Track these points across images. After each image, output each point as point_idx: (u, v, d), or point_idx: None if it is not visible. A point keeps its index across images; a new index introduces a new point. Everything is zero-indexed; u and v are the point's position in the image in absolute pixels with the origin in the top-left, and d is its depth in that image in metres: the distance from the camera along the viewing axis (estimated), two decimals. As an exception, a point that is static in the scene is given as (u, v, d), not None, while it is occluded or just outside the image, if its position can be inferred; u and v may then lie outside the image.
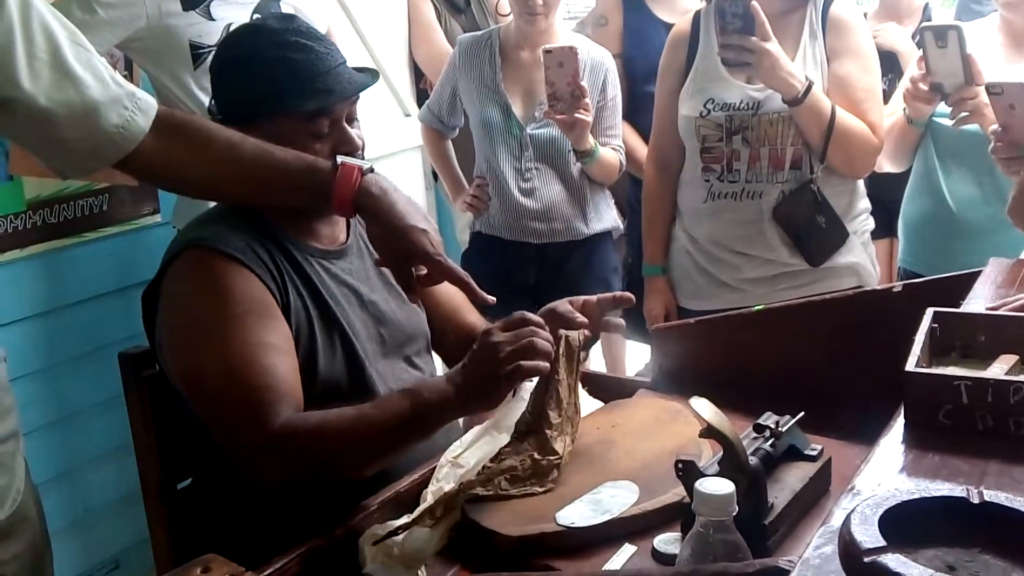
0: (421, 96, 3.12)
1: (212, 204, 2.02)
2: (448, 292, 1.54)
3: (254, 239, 1.32)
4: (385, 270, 1.41)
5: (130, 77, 2.24)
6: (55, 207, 2.11)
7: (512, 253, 2.40)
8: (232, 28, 2.03)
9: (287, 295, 1.31)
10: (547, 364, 1.19)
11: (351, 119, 1.39)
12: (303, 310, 1.32)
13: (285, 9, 2.19)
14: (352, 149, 1.36)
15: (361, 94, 1.40)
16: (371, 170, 1.28)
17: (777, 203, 1.96)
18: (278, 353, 1.23)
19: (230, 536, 1.31)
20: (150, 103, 1.20)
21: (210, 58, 2.01)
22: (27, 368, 2.08)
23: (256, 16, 2.10)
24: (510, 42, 2.42)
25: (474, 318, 1.60)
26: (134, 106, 1.17)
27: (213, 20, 2.04)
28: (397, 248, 1.27)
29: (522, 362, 1.15)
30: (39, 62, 1.10)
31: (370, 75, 1.41)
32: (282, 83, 1.32)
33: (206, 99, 2.04)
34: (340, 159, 1.28)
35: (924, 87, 1.90)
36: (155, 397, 1.42)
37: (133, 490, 1.50)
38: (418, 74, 3.20)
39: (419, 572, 1.11)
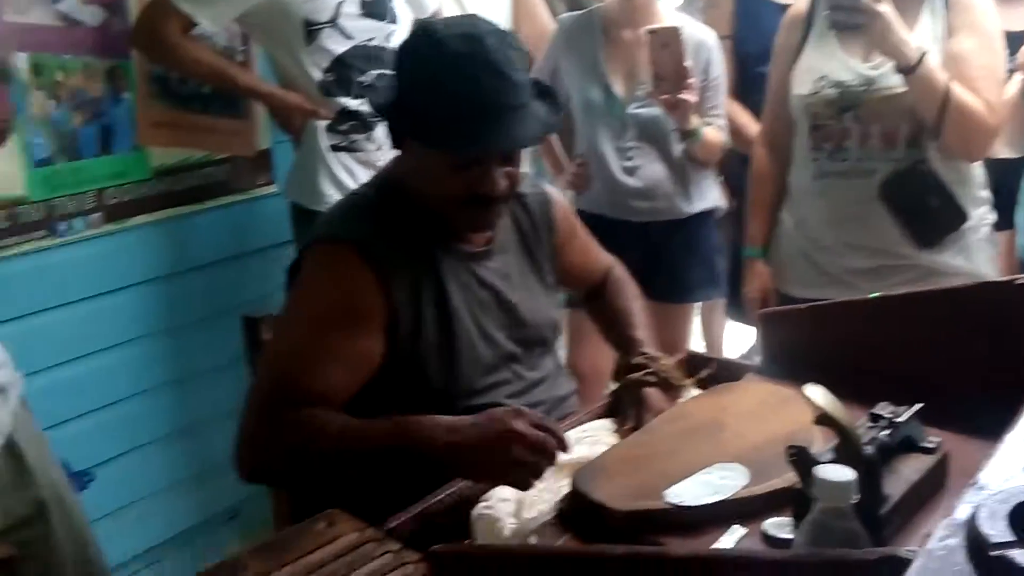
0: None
1: (321, 173, 2.11)
2: (585, 251, 1.65)
3: (402, 240, 1.33)
4: (526, 266, 1.49)
5: (247, 52, 2.32)
6: (178, 175, 2.22)
7: (614, 231, 2.37)
8: (342, 5, 2.09)
9: (419, 312, 1.32)
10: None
11: (510, 160, 1.33)
12: (436, 328, 1.34)
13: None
14: (488, 194, 1.31)
15: None
16: None
17: (885, 180, 1.91)
18: (339, 365, 1.26)
19: (346, 493, 1.37)
20: None
21: (323, 34, 2.10)
22: (150, 328, 2.20)
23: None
24: (612, 21, 2.41)
25: (600, 263, 1.70)
26: None
27: (328, -6, 2.09)
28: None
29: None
30: None
31: (542, 124, 1.32)
32: (436, 116, 1.26)
33: (318, 74, 2.11)
34: None
35: None
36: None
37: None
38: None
39: (530, 538, 1.15)
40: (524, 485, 1.15)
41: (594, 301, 1.69)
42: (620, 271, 1.72)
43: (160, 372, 2.22)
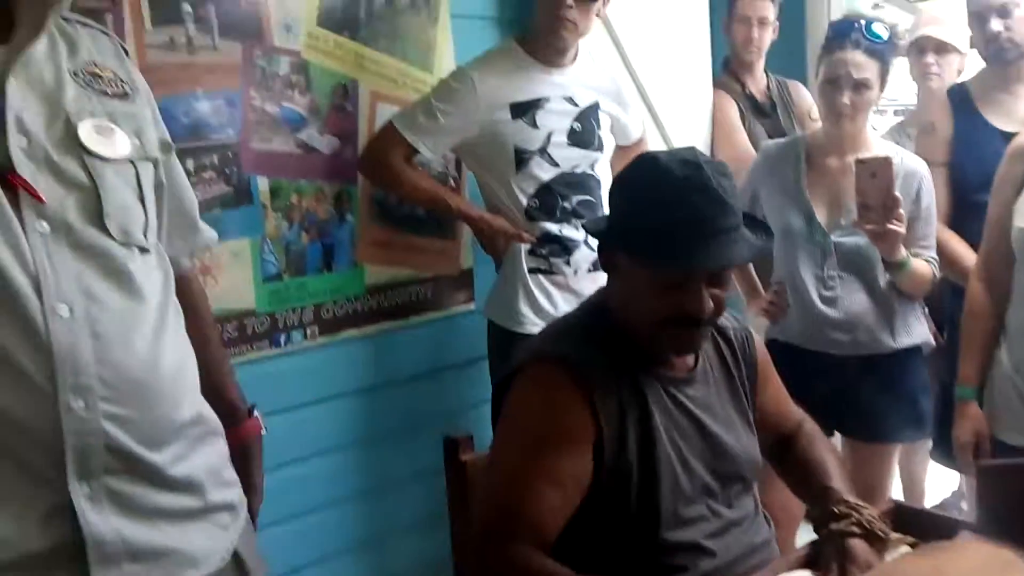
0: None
1: (520, 294, 2.19)
2: (777, 398, 1.60)
3: (608, 362, 1.36)
4: (727, 397, 1.47)
5: (459, 176, 2.47)
6: (388, 292, 2.36)
7: (810, 363, 2.32)
8: (552, 135, 2.20)
9: (624, 429, 1.34)
10: None
11: (716, 280, 1.34)
12: (636, 447, 1.35)
13: (603, 118, 2.32)
14: (695, 313, 1.33)
15: None
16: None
17: None
18: (554, 487, 1.29)
19: None
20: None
21: (532, 162, 2.21)
22: (351, 437, 2.31)
23: (576, 125, 2.24)
24: (817, 148, 2.39)
25: (792, 414, 1.63)
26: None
27: (537, 128, 2.21)
28: None
29: None
30: None
31: (747, 247, 1.35)
32: (656, 234, 1.31)
33: (524, 200, 2.22)
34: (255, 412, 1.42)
35: None
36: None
37: (440, 559, 1.61)
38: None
39: None
40: None
41: (784, 453, 1.61)
42: (812, 425, 1.65)
43: (356, 481, 2.31)
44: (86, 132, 1.07)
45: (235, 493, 1.22)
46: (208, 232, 1.38)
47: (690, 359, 1.45)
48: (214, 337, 1.42)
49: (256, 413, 1.43)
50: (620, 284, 1.41)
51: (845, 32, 2.26)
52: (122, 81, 1.16)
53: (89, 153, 1.06)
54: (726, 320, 1.51)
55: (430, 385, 2.40)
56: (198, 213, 1.35)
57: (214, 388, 1.32)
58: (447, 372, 2.40)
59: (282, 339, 2.17)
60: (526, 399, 1.37)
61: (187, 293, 1.33)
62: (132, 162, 1.12)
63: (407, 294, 2.40)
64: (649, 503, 1.35)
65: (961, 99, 2.50)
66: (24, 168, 1.00)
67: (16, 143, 1.00)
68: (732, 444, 1.44)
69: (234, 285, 2.06)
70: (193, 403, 1.16)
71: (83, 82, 1.10)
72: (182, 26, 1.94)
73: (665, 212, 1.31)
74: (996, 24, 2.35)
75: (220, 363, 1.40)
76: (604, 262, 1.44)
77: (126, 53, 1.23)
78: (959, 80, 2.76)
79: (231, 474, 1.23)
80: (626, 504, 1.35)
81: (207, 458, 1.16)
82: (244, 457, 1.35)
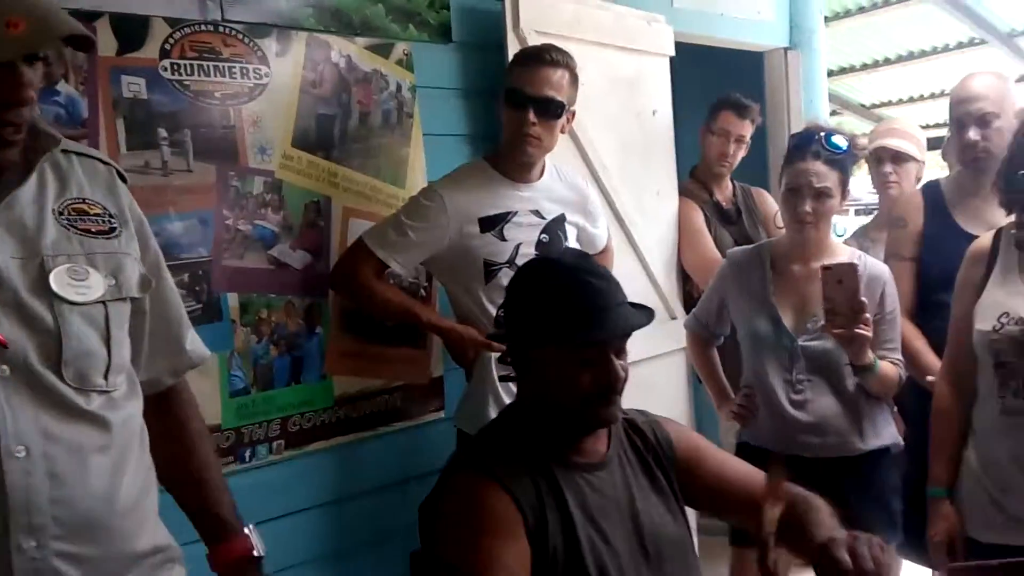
0: (687, 300, 3.20)
1: (490, 403, 2.19)
2: (734, 469, 1.62)
3: (521, 459, 1.43)
4: (643, 480, 1.52)
5: (429, 287, 2.50)
6: (358, 403, 2.36)
7: (782, 467, 2.33)
8: (520, 247, 2.26)
9: (543, 517, 1.39)
10: None
11: (620, 352, 1.48)
12: (559, 532, 1.40)
13: (569, 229, 2.38)
14: (614, 380, 1.45)
15: (631, 299, 1.52)
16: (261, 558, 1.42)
17: None
18: (506, 571, 1.31)
19: None
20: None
21: (500, 273, 2.25)
22: (317, 552, 2.26)
23: (544, 236, 2.30)
24: (781, 255, 2.44)
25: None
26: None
27: (505, 240, 2.26)
28: None
29: None
30: None
31: (645, 315, 1.52)
32: (563, 315, 1.44)
33: (493, 310, 2.24)
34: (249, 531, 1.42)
35: None
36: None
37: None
38: (685, 278, 3.29)
39: None
40: None
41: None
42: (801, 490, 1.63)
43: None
44: (58, 277, 1.10)
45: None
46: (197, 351, 1.39)
47: (602, 446, 1.53)
48: (203, 448, 1.41)
49: (249, 530, 1.40)
50: (535, 380, 1.50)
51: (806, 143, 2.35)
52: (110, 216, 1.19)
53: (58, 298, 1.09)
54: (634, 415, 1.62)
55: (398, 496, 2.37)
56: (188, 331, 1.36)
57: (202, 501, 1.31)
58: (416, 482, 2.37)
59: (247, 454, 2.15)
60: (455, 506, 1.40)
61: (174, 406, 1.34)
62: (104, 303, 1.14)
63: (377, 404, 2.40)
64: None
65: (934, 198, 2.57)
66: None
67: None
68: (657, 522, 1.49)
69: (200, 401, 2.02)
70: (152, 534, 1.16)
71: (66, 222, 1.13)
72: (157, 150, 1.99)
73: (569, 294, 1.45)
74: (974, 133, 2.44)
75: (209, 475, 1.39)
76: (517, 366, 1.53)
77: (123, 180, 1.26)
78: (919, 186, 2.86)
79: None
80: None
81: None
82: None
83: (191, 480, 1.34)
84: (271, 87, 2.18)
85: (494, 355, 2.24)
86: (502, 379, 2.25)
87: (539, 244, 2.29)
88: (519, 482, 1.40)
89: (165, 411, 1.36)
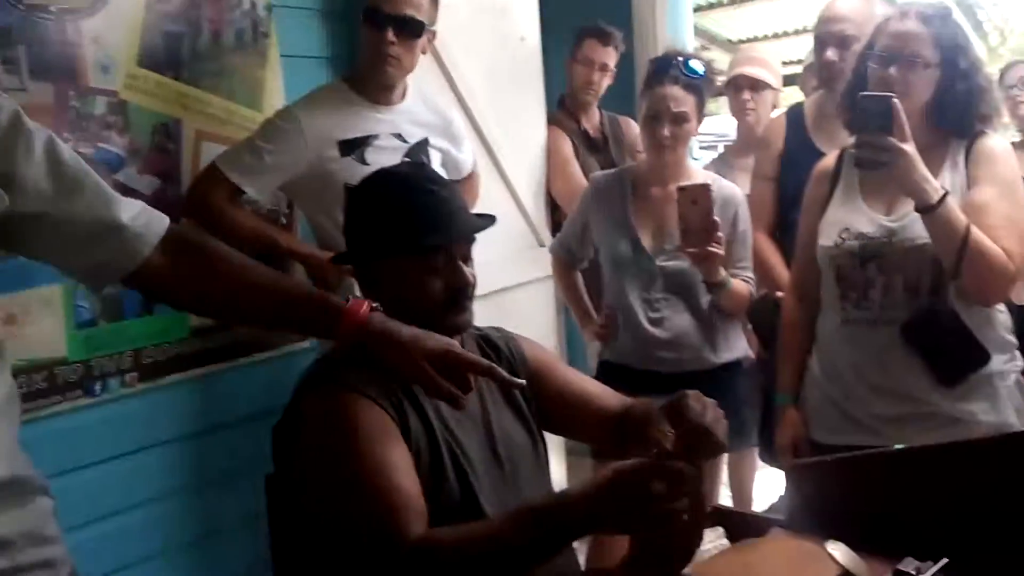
0: (556, 228, 3.24)
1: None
2: (580, 388, 1.63)
3: (378, 373, 1.39)
4: (497, 391, 1.52)
5: (291, 215, 2.44)
6: (216, 334, 2.29)
7: (641, 382, 2.40)
8: None
9: (407, 420, 1.39)
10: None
11: (466, 258, 1.50)
12: (422, 435, 1.40)
13: (433, 153, 2.35)
14: (463, 284, 1.47)
15: (499, 226, 1.51)
16: (378, 308, 1.37)
17: (907, 321, 1.91)
18: (403, 473, 1.31)
19: None
20: (160, 219, 1.29)
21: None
22: (176, 485, 2.21)
23: (407, 160, 2.27)
24: (641, 178, 2.50)
25: (612, 403, 1.62)
26: (145, 221, 1.27)
27: (366, 164, 2.21)
28: (417, 358, 1.31)
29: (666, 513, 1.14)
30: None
31: (487, 219, 1.53)
32: (405, 223, 1.44)
33: (358, 235, 2.20)
34: (351, 297, 1.36)
35: None
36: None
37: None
38: (553, 206, 3.33)
39: None
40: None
41: (623, 440, 1.59)
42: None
43: (185, 530, 2.21)
44: None
45: (56, 550, 1.18)
46: (143, 221, 1.27)
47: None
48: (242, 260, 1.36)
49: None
50: (385, 294, 1.47)
51: (664, 68, 2.39)
52: None
53: None
54: (488, 331, 1.63)
55: (263, 428, 2.31)
56: (117, 207, 1.25)
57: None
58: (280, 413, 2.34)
59: (97, 387, 2.06)
60: (323, 419, 1.37)
61: (182, 250, 1.29)
62: None
63: (236, 335, 2.33)
64: (438, 490, 1.38)
65: (796, 120, 2.65)
66: None
67: None
68: (509, 432, 1.52)
69: (43, 333, 1.95)
70: (9, 465, 1.10)
71: None
72: (-13, 67, 1.86)
73: (410, 202, 1.46)
74: (833, 54, 2.51)
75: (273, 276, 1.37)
76: (364, 283, 1.52)
77: None
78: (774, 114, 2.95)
79: (53, 530, 1.18)
80: (445, 483, 1.39)
81: (20, 518, 1.11)
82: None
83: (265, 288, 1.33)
84: (113, 1, 2.06)
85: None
86: (366, 305, 2.24)
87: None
88: (379, 391, 1.38)
89: (183, 258, 1.29)
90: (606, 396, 1.64)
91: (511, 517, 1.23)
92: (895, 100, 1.80)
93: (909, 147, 1.81)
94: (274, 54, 2.42)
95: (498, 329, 1.68)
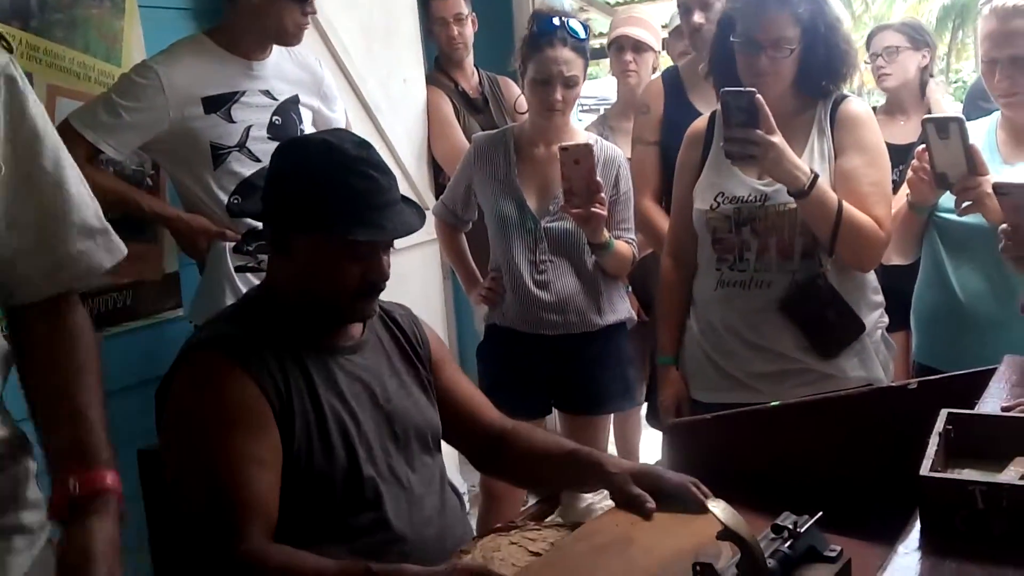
0: (439, 190, 3.18)
1: (228, 295, 2.09)
2: (466, 393, 1.62)
3: (266, 341, 1.37)
4: (399, 365, 1.50)
5: (157, 177, 2.31)
6: (83, 302, 2.15)
7: (527, 345, 2.41)
8: (251, 129, 2.12)
9: (289, 398, 1.35)
10: None
11: (387, 248, 1.46)
12: (310, 411, 1.37)
13: (303, 112, 2.26)
14: (380, 278, 1.43)
15: None
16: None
17: (785, 295, 1.97)
18: (259, 466, 1.29)
19: None
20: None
21: (230, 157, 2.11)
22: (42, 461, 2.08)
23: (276, 118, 2.17)
24: (525, 139, 2.47)
25: (493, 416, 1.63)
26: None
27: (233, 122, 2.12)
28: None
29: None
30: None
31: (419, 218, 1.48)
32: (339, 206, 1.37)
33: (225, 197, 2.11)
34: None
35: (925, 177, 1.93)
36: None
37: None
38: (436, 169, 3.27)
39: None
40: None
41: (503, 453, 1.60)
42: (525, 424, 1.68)
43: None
44: None
45: (34, 515, 1.13)
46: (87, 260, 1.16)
47: (356, 332, 1.51)
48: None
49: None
50: (295, 264, 1.43)
51: (551, 30, 2.34)
52: None
53: None
54: (392, 307, 1.61)
55: (136, 400, 2.21)
56: (72, 233, 1.14)
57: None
58: (154, 384, 2.23)
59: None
60: (194, 392, 1.34)
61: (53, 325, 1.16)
62: None
63: (105, 303, 2.21)
64: (331, 466, 1.37)
65: (673, 83, 2.67)
66: None
67: None
68: (408, 407, 1.50)
69: None
70: None
71: None
72: None
73: (352, 186, 1.38)
74: (698, 16, 2.54)
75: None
76: (275, 244, 1.46)
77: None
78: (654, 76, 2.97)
79: (33, 494, 1.14)
80: (310, 474, 1.36)
81: None
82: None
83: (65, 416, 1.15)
84: (-55, -58, 1.89)
85: (229, 244, 2.13)
86: (239, 270, 2.15)
87: (271, 127, 2.17)
88: (262, 363, 1.35)
89: (46, 328, 1.16)
90: (487, 410, 1.64)
91: (345, 567, 1.23)
92: (758, 96, 1.83)
93: (776, 138, 1.85)
94: (132, 4, 2.27)
95: (402, 307, 1.65)
